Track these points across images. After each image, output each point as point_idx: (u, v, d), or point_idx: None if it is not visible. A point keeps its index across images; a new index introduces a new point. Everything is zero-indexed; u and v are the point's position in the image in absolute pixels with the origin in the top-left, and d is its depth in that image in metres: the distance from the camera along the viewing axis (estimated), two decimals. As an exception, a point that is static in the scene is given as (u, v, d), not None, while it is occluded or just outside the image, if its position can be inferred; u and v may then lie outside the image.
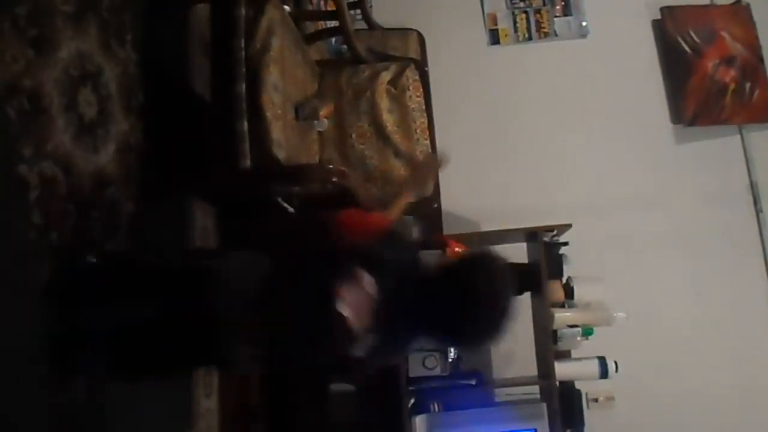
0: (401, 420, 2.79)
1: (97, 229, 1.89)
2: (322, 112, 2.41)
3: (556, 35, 3.83)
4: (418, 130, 2.60)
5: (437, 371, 2.81)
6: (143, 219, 2.11)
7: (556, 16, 3.84)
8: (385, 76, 2.60)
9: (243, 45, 2.14)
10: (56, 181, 1.72)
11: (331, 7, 2.94)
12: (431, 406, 2.91)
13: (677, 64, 3.72)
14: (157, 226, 2.25)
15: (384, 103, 2.56)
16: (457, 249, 2.67)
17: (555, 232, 3.11)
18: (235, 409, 2.69)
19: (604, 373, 2.96)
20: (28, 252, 1.61)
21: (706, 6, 3.82)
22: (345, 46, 2.88)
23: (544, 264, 2.98)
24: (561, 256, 3.12)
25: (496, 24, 3.83)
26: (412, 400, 2.88)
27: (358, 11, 3.34)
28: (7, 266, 1.54)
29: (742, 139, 3.68)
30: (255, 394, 2.78)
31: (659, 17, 3.76)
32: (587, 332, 3.02)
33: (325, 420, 2.84)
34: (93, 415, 1.78)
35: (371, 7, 3.52)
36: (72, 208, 1.77)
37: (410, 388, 2.84)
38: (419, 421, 2.80)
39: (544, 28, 3.83)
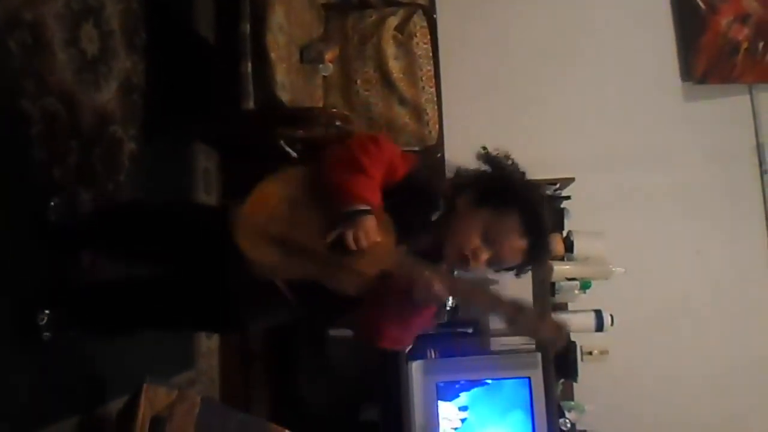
0: (397, 365, 2.84)
1: (99, 168, 1.89)
2: (328, 56, 2.38)
3: (567, -17, 3.74)
4: (423, 78, 2.57)
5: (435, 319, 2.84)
6: (145, 159, 2.11)
7: (567, -36, 3.73)
8: (392, 22, 2.56)
9: (248, -17, 2.10)
10: (58, 117, 1.71)
11: (338, -51, 2.86)
12: (427, 353, 2.95)
13: (690, 20, 3.64)
14: (159, 167, 2.25)
15: (390, 49, 2.53)
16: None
17: (557, 186, 3.11)
18: (235, 350, 2.74)
19: (599, 326, 3.00)
20: (31, 187, 1.62)
21: (723, -39, 3.72)
22: (352, -10, 2.82)
23: (545, 217, 2.98)
24: (562, 209, 3.13)
25: (505, -29, 3.73)
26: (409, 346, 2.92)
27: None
28: (9, 202, 1.55)
29: (752, 99, 3.62)
30: (255, 336, 2.83)
31: (674, -30, 3.67)
32: (585, 286, 3.05)
33: (323, 362, 2.90)
34: (95, 352, 1.81)
35: (380, -50, 3.43)
36: (74, 145, 1.77)
37: (408, 334, 2.88)
38: (415, 367, 2.85)
39: (555, -25, 3.73)
